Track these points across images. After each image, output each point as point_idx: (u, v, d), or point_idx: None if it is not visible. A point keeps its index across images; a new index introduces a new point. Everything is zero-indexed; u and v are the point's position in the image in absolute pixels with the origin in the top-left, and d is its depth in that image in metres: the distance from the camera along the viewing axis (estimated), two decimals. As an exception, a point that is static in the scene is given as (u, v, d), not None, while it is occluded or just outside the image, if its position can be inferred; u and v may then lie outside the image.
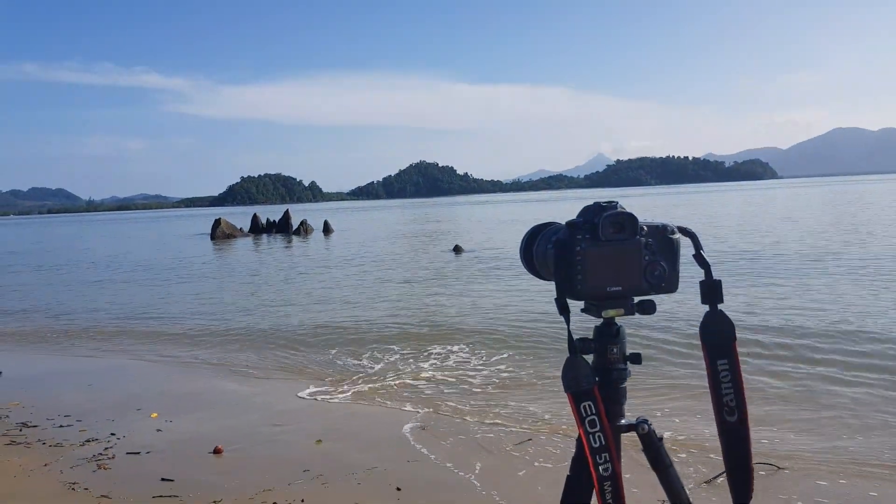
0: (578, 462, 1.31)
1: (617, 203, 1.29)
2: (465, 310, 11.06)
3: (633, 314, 1.31)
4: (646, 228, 1.28)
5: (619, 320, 1.34)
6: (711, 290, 1.30)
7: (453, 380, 6.81)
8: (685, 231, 1.32)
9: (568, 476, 1.36)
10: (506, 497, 3.90)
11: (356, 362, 7.79)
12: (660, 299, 1.31)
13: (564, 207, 58.78)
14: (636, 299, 1.30)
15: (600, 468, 1.21)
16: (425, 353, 8.01)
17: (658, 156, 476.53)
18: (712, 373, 1.30)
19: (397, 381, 6.81)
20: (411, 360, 7.72)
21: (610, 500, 1.21)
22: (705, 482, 3.95)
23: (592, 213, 1.28)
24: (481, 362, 7.50)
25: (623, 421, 1.36)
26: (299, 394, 6.45)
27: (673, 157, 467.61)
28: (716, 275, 1.30)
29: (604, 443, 1.22)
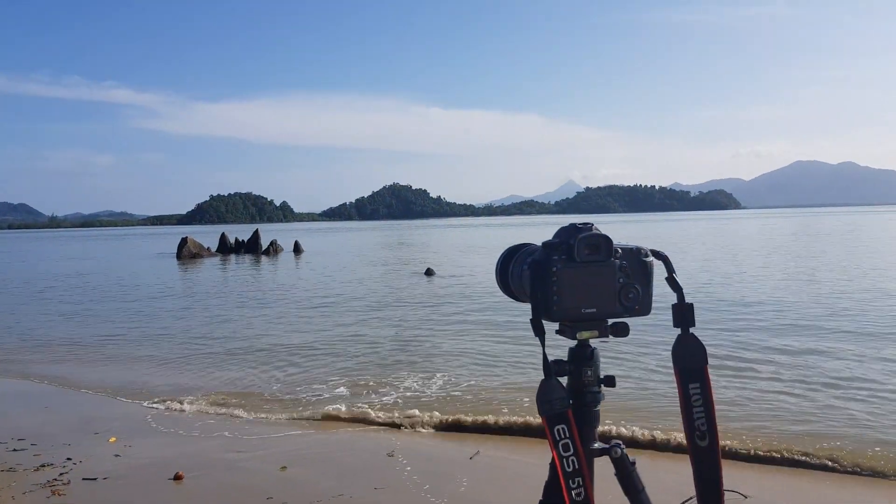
0: (551, 487, 1.29)
1: (592, 225, 1.28)
2: (434, 332, 11.01)
3: (606, 336, 1.30)
4: (620, 251, 1.27)
5: (593, 342, 1.33)
6: (683, 314, 1.29)
7: (423, 401, 6.73)
8: (658, 255, 1.32)
9: (540, 501, 1.33)
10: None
11: (321, 386, 7.67)
12: (633, 322, 1.30)
13: (535, 232, 59.23)
14: (610, 321, 1.29)
15: (573, 493, 1.19)
16: (393, 377, 7.93)
17: (626, 184, 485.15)
18: (684, 396, 1.29)
19: (364, 405, 6.71)
20: (378, 384, 7.62)
21: None
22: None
23: (568, 234, 1.27)
24: (451, 383, 7.44)
25: (596, 445, 1.34)
26: (261, 418, 6.32)
27: (641, 185, 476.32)
28: (687, 299, 1.29)
29: (577, 467, 1.20)
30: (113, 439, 5.66)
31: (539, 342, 1.23)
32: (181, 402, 6.96)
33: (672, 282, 1.30)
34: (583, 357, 1.33)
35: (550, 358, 1.25)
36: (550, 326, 1.28)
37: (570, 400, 1.24)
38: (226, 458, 5.15)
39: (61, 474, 4.71)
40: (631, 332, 1.30)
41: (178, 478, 4.68)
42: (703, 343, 1.30)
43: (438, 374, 7.99)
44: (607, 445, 1.34)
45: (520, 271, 1.35)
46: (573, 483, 1.19)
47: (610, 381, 1.35)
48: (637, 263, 1.29)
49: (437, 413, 6.26)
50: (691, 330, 1.29)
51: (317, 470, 4.84)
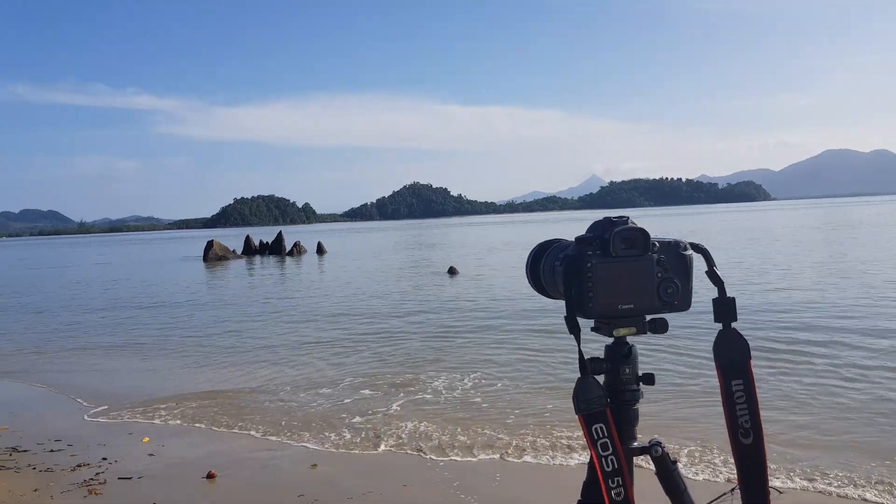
0: (591, 487, 1.27)
1: (628, 218, 1.26)
2: (464, 331, 11.01)
3: (645, 333, 1.28)
4: (658, 245, 1.24)
5: (630, 339, 1.30)
6: (725, 308, 1.26)
7: (455, 403, 6.74)
8: (697, 248, 1.29)
9: (579, 501, 1.32)
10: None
11: (346, 387, 7.70)
12: (672, 317, 1.28)
13: (559, 228, 58.91)
14: (648, 317, 1.27)
15: (613, 493, 1.18)
16: (422, 379, 7.93)
17: (651, 177, 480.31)
18: (726, 393, 1.26)
19: (391, 407, 6.73)
20: (404, 386, 7.64)
21: None
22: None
23: (603, 229, 1.24)
24: (481, 387, 7.42)
25: (636, 444, 1.31)
26: (293, 419, 6.38)
27: (666, 178, 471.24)
28: (729, 293, 1.26)
29: (616, 466, 1.18)
30: (146, 439, 5.75)
31: (574, 339, 1.21)
32: (213, 402, 7.04)
33: (713, 275, 1.27)
34: (620, 354, 1.30)
35: (587, 356, 1.24)
36: (586, 324, 1.26)
37: (607, 398, 1.23)
38: (257, 456, 5.21)
39: (97, 474, 4.80)
40: (670, 327, 1.28)
41: (210, 476, 4.74)
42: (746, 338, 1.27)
43: (470, 375, 7.98)
44: (647, 444, 1.32)
45: (551, 268, 1.33)
46: (612, 483, 1.18)
47: (649, 378, 1.32)
48: (675, 257, 1.26)
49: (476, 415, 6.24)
50: (733, 325, 1.26)
51: (347, 468, 4.87)
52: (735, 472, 1.30)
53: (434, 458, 5.02)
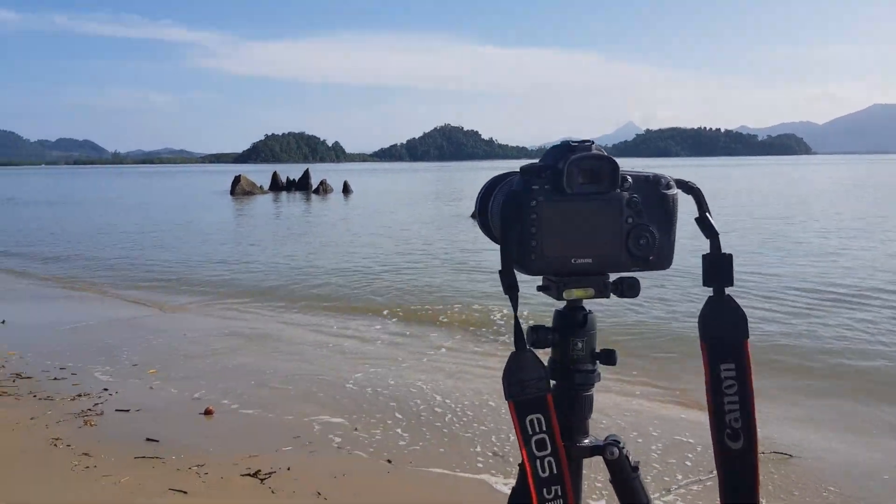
0: (520, 493, 1.00)
1: (592, 143, 0.94)
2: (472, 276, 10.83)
3: (607, 296, 0.99)
4: (630, 180, 0.94)
5: (587, 304, 1.02)
6: (717, 267, 0.95)
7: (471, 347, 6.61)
8: (686, 186, 0.98)
9: None
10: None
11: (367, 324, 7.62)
12: (646, 277, 0.99)
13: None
14: (613, 276, 0.99)
15: None
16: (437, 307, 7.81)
17: (690, 126, 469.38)
18: (712, 381, 0.96)
19: (400, 353, 6.63)
20: (416, 327, 7.54)
21: None
22: None
23: (557, 156, 0.94)
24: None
25: (587, 441, 1.03)
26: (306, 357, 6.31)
27: (704, 128, 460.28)
28: (726, 247, 0.96)
29: (556, 472, 0.90)
30: (153, 371, 5.72)
31: (510, 302, 0.91)
32: (230, 336, 7.01)
33: (704, 223, 0.95)
34: (572, 323, 1.01)
35: (527, 324, 0.96)
36: (530, 282, 0.98)
37: (549, 381, 0.95)
38: (260, 394, 5.11)
39: (95, 404, 4.75)
40: (642, 291, 0.98)
41: (208, 412, 4.68)
42: (744, 310, 0.96)
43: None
44: (601, 442, 1.03)
45: (499, 207, 1.00)
46: (548, 493, 0.90)
47: (609, 356, 1.02)
48: (654, 197, 0.95)
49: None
50: (727, 291, 0.96)
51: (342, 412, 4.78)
52: (717, 484, 0.98)
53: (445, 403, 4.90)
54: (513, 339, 0.93)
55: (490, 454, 3.98)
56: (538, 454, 0.91)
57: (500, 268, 0.93)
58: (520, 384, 0.92)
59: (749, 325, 0.96)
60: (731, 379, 0.95)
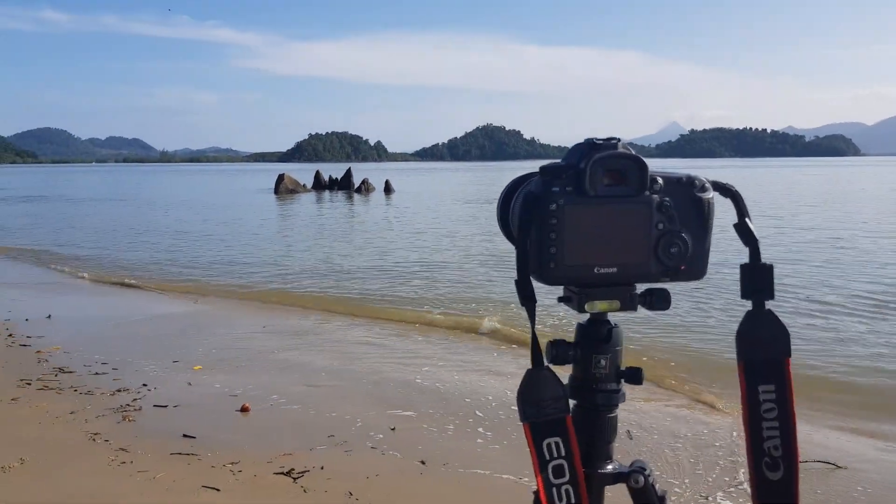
0: None
1: (619, 141, 0.86)
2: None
3: (634, 309, 0.91)
4: (661, 181, 0.86)
5: (612, 317, 0.94)
6: (757, 279, 0.87)
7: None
8: (724, 189, 0.89)
9: None
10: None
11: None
12: (677, 288, 0.90)
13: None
14: (641, 287, 0.90)
15: None
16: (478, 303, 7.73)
17: (735, 127, 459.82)
18: (749, 403, 0.87)
19: (440, 346, 6.57)
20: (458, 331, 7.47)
21: None
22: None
23: (580, 156, 0.85)
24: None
25: (610, 467, 0.95)
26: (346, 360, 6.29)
27: (750, 128, 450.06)
28: (766, 257, 0.87)
29: (574, 501, 0.83)
30: (198, 367, 5.74)
31: (527, 314, 0.84)
32: (270, 334, 7.05)
33: (743, 229, 0.86)
34: (595, 338, 0.93)
35: (545, 339, 0.88)
36: (552, 293, 0.90)
37: (569, 401, 0.87)
38: (296, 391, 5.09)
39: (134, 400, 4.79)
40: (674, 303, 0.90)
41: (244, 409, 4.68)
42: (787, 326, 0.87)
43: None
44: (625, 469, 0.94)
45: (519, 209, 0.92)
46: None
47: (635, 375, 0.94)
48: (687, 201, 0.87)
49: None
50: (767, 304, 0.87)
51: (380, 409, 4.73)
52: None
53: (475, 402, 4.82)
54: (530, 355, 0.86)
55: (526, 455, 3.88)
56: (555, 482, 0.84)
57: (514, 277, 0.85)
58: (536, 404, 0.85)
59: (791, 340, 0.87)
60: (770, 402, 0.87)
